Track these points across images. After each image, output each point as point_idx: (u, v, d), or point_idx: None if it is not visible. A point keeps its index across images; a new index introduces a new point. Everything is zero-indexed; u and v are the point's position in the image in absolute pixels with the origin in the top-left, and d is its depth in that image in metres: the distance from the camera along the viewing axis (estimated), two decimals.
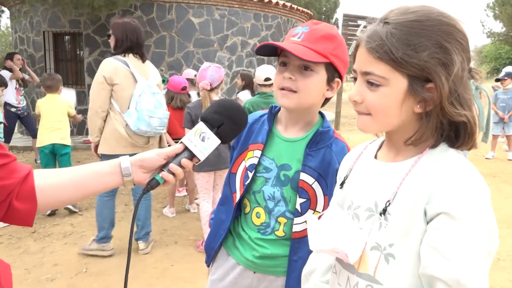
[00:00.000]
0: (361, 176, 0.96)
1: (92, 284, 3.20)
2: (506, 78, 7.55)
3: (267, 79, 4.01)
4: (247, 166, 1.39)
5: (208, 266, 1.53)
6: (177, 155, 1.05)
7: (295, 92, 1.25)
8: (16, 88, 6.60)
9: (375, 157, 0.96)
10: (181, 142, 1.06)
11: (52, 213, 4.66)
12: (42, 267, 3.47)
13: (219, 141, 1.07)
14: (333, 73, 1.28)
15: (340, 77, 1.31)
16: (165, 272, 3.39)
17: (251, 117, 1.46)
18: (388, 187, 0.85)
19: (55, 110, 4.57)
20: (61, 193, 0.97)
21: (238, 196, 1.40)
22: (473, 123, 0.82)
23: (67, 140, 4.63)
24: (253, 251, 1.36)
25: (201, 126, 1.07)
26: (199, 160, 1.06)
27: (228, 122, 1.09)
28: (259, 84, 4.07)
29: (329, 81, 1.29)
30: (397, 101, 0.82)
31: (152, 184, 1.03)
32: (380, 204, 0.86)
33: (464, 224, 0.73)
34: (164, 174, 1.03)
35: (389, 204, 0.83)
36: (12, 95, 6.49)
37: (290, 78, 1.24)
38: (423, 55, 0.78)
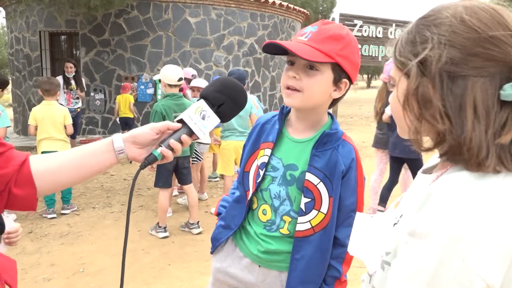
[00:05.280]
0: (413, 185, 0.93)
1: (89, 284, 3.21)
2: None
3: (181, 79, 3.99)
4: (259, 165, 1.42)
5: (212, 253, 1.56)
6: (175, 131, 1.03)
7: (299, 91, 1.25)
8: (65, 91, 7.09)
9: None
10: (180, 118, 1.04)
11: (54, 217, 4.65)
12: (39, 267, 3.47)
13: (219, 120, 1.05)
14: (340, 73, 1.26)
15: (349, 78, 1.29)
16: (162, 271, 3.40)
17: (263, 118, 1.49)
18: (409, 200, 0.82)
19: (52, 117, 4.50)
20: (59, 176, 0.98)
21: (251, 194, 1.43)
22: (455, 138, 0.68)
23: (68, 147, 4.62)
24: (258, 245, 1.40)
25: (202, 104, 1.04)
26: (198, 138, 1.05)
27: (229, 102, 1.07)
28: (169, 85, 3.98)
29: (336, 82, 1.27)
30: (399, 102, 0.77)
31: (150, 159, 1.00)
32: (398, 215, 0.83)
33: (419, 241, 0.65)
34: (164, 150, 1.00)
35: (401, 216, 0.81)
36: (62, 97, 6.97)
37: (295, 77, 1.25)
38: (412, 52, 0.74)
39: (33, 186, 0.94)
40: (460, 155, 0.69)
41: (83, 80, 7.51)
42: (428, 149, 0.76)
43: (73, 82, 7.14)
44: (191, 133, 1.03)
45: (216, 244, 1.52)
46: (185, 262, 3.55)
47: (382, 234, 0.86)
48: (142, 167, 1.01)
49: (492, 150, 0.67)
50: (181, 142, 1.02)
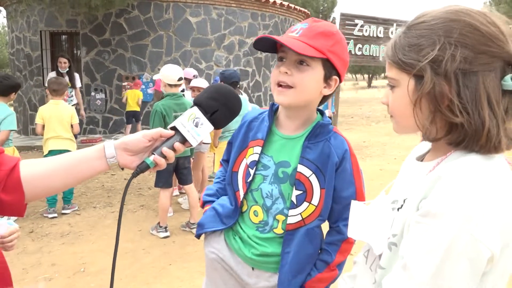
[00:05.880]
0: (404, 172, 1.00)
1: (90, 283, 3.21)
2: None
3: (181, 78, 4.01)
4: (248, 164, 1.39)
5: (198, 237, 1.53)
6: (168, 138, 1.02)
7: (291, 87, 1.25)
8: None
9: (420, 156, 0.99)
10: (173, 126, 1.03)
11: (54, 217, 4.66)
12: (40, 267, 3.47)
13: (212, 127, 1.05)
14: (330, 70, 1.27)
15: (339, 75, 1.30)
16: (162, 271, 3.40)
17: (249, 115, 1.46)
18: (411, 185, 0.88)
19: (60, 116, 4.53)
20: (49, 181, 0.97)
21: (241, 194, 1.40)
22: (474, 128, 0.77)
23: (75, 147, 4.64)
24: (252, 248, 1.37)
25: (195, 111, 1.04)
26: (191, 145, 1.04)
27: (223, 109, 1.06)
28: (169, 85, 4.00)
29: (326, 78, 1.28)
30: (407, 101, 0.84)
31: (142, 167, 0.99)
32: (401, 200, 0.89)
33: (433, 221, 0.73)
34: (156, 157, 0.99)
35: (405, 201, 0.86)
36: None
37: (286, 72, 1.24)
38: (419, 54, 0.80)
39: (22, 192, 0.93)
40: (477, 141, 0.77)
41: (76, 76, 7.19)
42: (438, 139, 0.84)
43: (67, 78, 6.90)
44: (184, 140, 1.02)
45: (201, 231, 1.48)
46: (186, 262, 3.56)
47: (382, 218, 0.92)
48: (134, 175, 1.00)
49: (502, 134, 0.77)
50: (174, 149, 1.01)
